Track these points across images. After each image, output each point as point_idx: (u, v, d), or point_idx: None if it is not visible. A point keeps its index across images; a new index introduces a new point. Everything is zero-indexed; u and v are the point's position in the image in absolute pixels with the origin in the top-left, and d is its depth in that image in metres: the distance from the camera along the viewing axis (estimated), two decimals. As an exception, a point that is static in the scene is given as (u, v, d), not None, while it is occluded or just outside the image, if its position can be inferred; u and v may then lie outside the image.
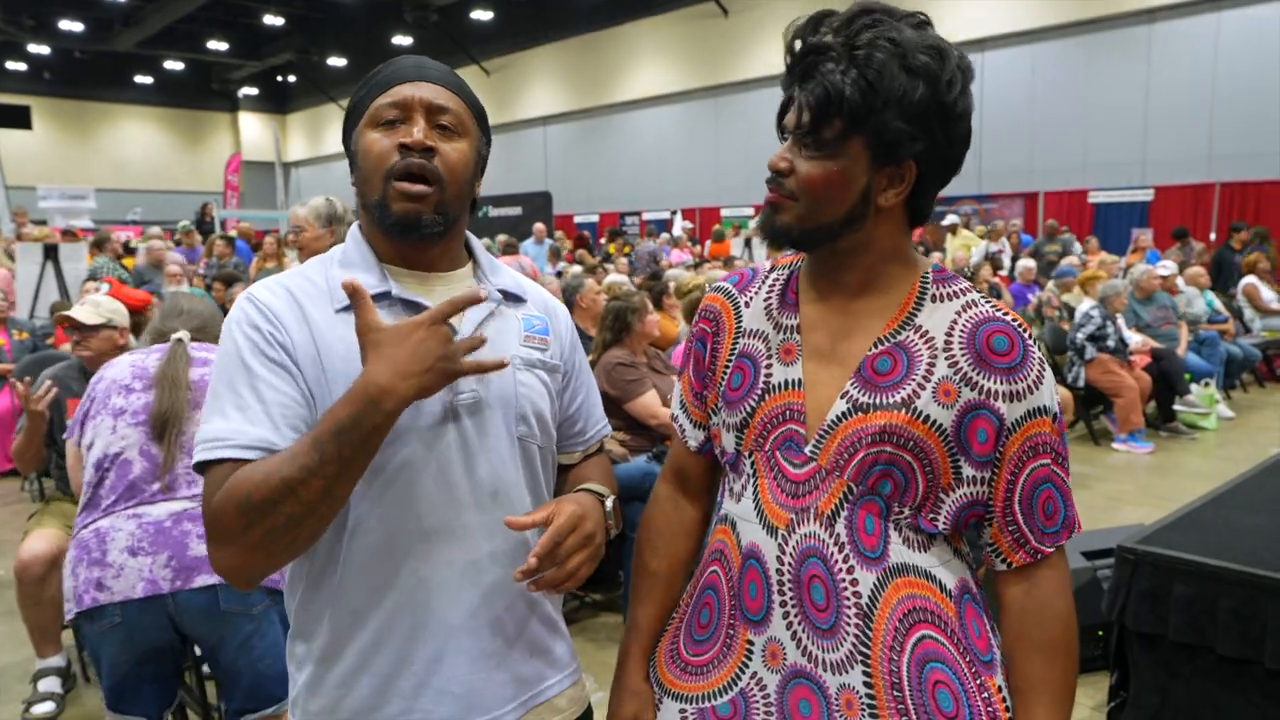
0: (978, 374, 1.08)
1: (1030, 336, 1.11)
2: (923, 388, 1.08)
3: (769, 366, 1.16)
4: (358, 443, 0.98)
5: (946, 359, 1.09)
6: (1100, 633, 3.12)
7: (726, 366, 1.22)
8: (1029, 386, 1.09)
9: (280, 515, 0.98)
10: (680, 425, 1.31)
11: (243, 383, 1.06)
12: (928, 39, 1.04)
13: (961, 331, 1.10)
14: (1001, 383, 1.08)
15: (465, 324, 1.17)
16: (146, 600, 2.13)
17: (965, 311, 1.11)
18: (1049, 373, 1.12)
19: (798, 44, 1.07)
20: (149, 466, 2.29)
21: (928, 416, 1.07)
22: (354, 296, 1.01)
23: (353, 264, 1.17)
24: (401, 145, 1.11)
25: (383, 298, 1.14)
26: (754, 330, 1.20)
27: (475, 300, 1.02)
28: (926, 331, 1.11)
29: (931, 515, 1.10)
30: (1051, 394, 1.11)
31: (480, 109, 1.21)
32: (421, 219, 1.12)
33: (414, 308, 1.15)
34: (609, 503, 1.22)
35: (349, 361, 1.07)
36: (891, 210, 1.10)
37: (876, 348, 1.11)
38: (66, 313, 3.10)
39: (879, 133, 1.03)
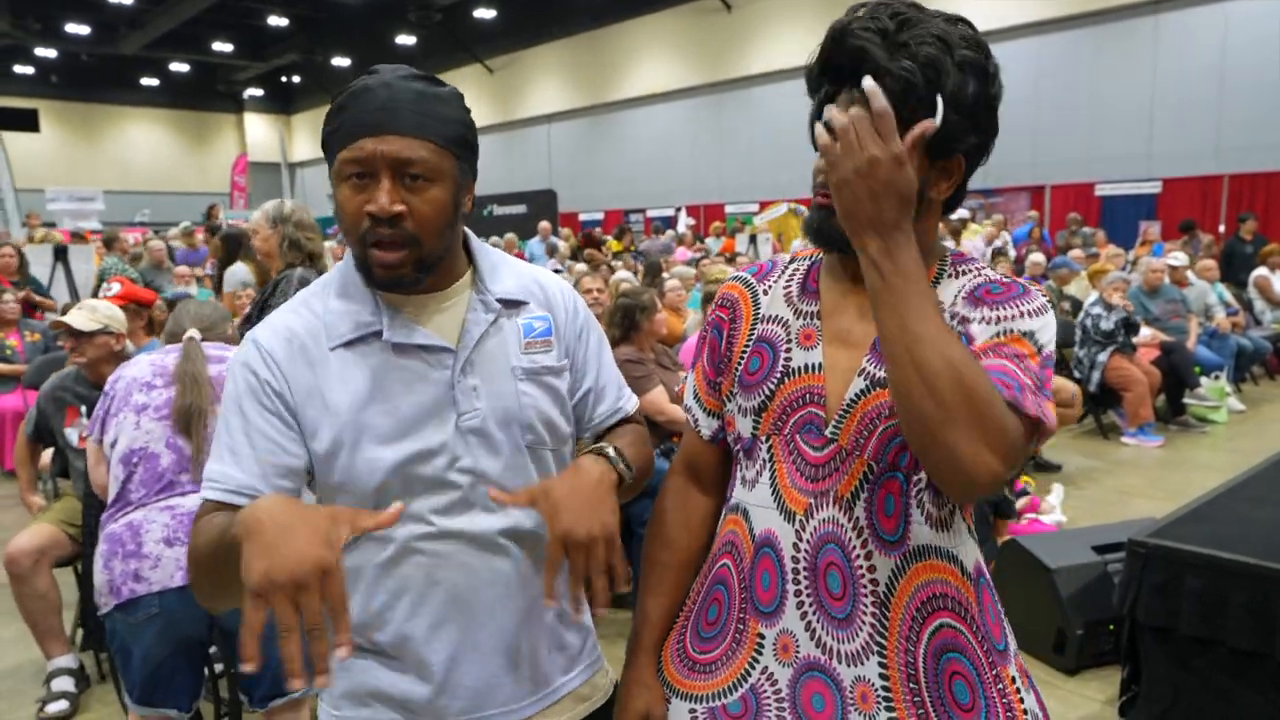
0: (967, 310, 1.08)
1: (1037, 290, 1.09)
2: None
3: (789, 350, 1.16)
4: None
5: (948, 315, 1.09)
6: (1111, 626, 3.12)
7: (744, 352, 1.21)
8: (1015, 314, 1.05)
9: (211, 579, 1.06)
10: (693, 415, 1.30)
11: (238, 427, 1.12)
12: (964, 33, 1.04)
13: (965, 292, 1.10)
14: (985, 310, 1.06)
15: (467, 337, 1.17)
16: (184, 589, 2.18)
17: (972, 280, 1.12)
18: (1049, 316, 1.06)
19: (839, 45, 1.05)
20: (177, 459, 2.35)
21: None
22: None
23: (349, 294, 1.17)
24: (369, 214, 1.09)
25: (374, 337, 1.15)
26: (773, 316, 1.20)
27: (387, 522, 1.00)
28: (938, 303, 1.10)
29: None
30: (1045, 329, 1.04)
31: (457, 134, 1.13)
32: (403, 280, 1.13)
33: (403, 350, 1.15)
34: (610, 451, 1.17)
35: (350, 396, 1.12)
36: (936, 205, 1.11)
37: None
38: (61, 318, 3.10)
39: (940, 126, 1.02)
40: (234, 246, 6.76)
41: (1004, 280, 1.10)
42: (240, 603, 0.96)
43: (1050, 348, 1.05)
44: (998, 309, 1.06)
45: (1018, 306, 1.05)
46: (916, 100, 1.01)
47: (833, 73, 1.07)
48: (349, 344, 1.14)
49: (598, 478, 1.12)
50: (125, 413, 2.39)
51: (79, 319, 3.03)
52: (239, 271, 6.27)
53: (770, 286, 1.23)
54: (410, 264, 1.11)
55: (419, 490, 1.14)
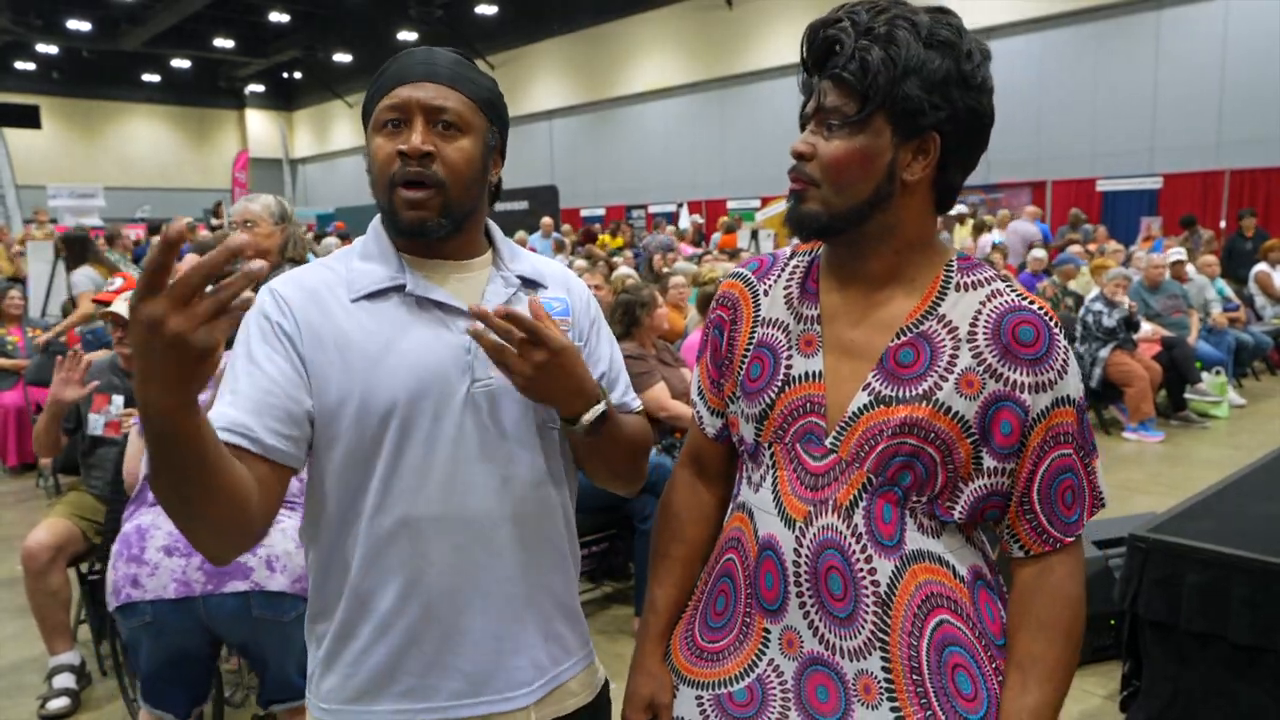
0: (1003, 365, 1.07)
1: (1057, 326, 1.10)
2: (945, 379, 1.07)
3: (789, 358, 1.15)
4: (162, 453, 0.91)
5: (970, 349, 1.08)
6: (1112, 621, 3.12)
7: (745, 356, 1.20)
8: (1054, 377, 1.07)
9: (167, 501, 0.96)
10: (698, 412, 1.30)
11: (241, 368, 1.12)
12: (945, 20, 1.06)
13: (986, 321, 1.08)
14: (1027, 374, 1.07)
15: (486, 305, 1.17)
16: (178, 601, 2.18)
17: (990, 301, 1.10)
18: (1074, 362, 1.10)
19: (814, 37, 1.08)
20: None
21: (950, 409, 1.06)
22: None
23: (372, 256, 1.20)
24: (400, 152, 1.13)
25: (396, 290, 1.17)
26: (773, 320, 1.19)
27: (237, 252, 0.82)
28: (950, 321, 1.09)
29: (949, 504, 1.10)
30: (1077, 384, 1.10)
31: (488, 97, 1.19)
32: (427, 225, 1.14)
33: (426, 304, 1.17)
34: (599, 408, 1.15)
35: (365, 342, 1.13)
36: (918, 187, 1.09)
37: (899, 339, 1.10)
38: (111, 309, 3.07)
39: (901, 101, 1.03)
40: (80, 249, 6.57)
41: (1022, 306, 1.09)
42: (229, 549, 1.04)
43: (1081, 397, 1.11)
44: (1039, 371, 1.07)
45: (1054, 364, 1.08)
46: (874, 78, 1.03)
47: (812, 64, 1.10)
48: (370, 296, 1.16)
49: (586, 378, 1.14)
50: None
51: (125, 308, 3.06)
52: (91, 275, 6.18)
53: (770, 286, 1.22)
54: (436, 207, 1.14)
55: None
